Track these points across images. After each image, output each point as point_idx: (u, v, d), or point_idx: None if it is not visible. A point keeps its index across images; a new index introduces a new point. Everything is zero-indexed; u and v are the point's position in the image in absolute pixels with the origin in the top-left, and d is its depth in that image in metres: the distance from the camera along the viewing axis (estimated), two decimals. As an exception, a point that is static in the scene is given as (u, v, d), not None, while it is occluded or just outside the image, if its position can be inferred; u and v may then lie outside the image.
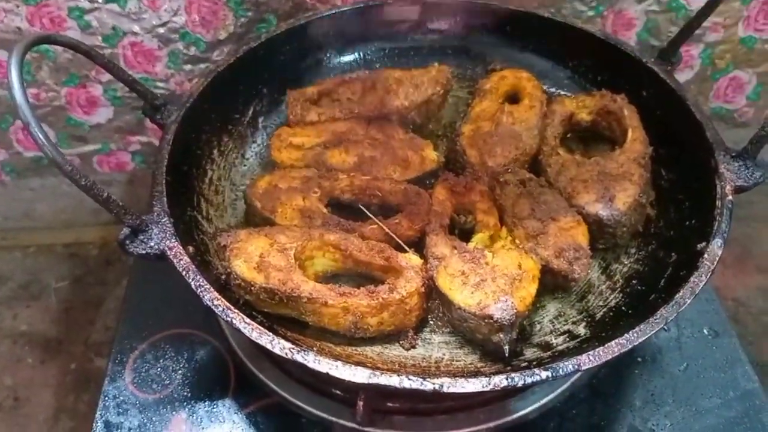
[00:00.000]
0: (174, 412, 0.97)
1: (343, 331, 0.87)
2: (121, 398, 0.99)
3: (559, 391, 0.99)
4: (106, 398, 0.99)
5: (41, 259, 1.83)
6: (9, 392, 1.58)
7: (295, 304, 0.86)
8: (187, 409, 0.97)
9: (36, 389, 1.58)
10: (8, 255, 1.84)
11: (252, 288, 0.86)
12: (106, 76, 1.50)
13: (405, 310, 0.88)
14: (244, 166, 1.13)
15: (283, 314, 0.88)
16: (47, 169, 1.71)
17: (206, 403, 0.98)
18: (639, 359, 1.03)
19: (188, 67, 1.50)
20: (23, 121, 0.74)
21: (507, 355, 0.85)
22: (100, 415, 0.97)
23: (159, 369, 1.02)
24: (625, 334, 0.77)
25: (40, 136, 0.74)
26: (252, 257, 0.88)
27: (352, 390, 0.91)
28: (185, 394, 0.99)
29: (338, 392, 0.96)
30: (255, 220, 1.01)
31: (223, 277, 0.90)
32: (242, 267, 0.87)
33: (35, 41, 0.82)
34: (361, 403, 0.85)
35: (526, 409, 0.97)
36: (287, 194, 1.00)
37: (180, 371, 1.02)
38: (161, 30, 1.43)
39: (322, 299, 0.85)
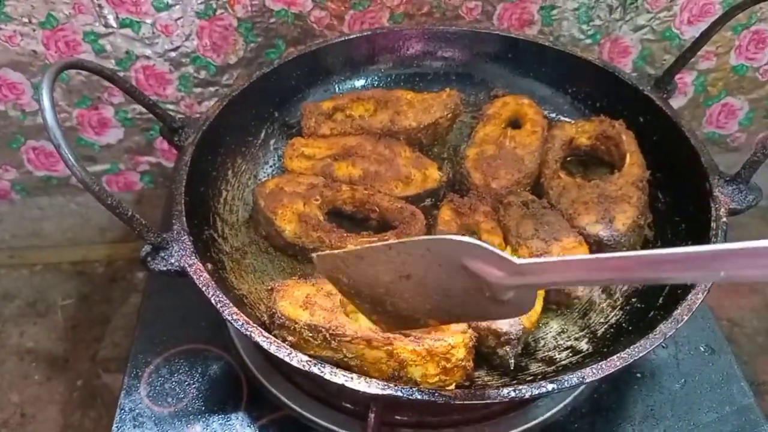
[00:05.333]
0: (189, 425, 0.99)
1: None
2: (137, 411, 1.01)
3: (561, 405, 1.01)
4: (123, 411, 1.01)
5: (48, 277, 1.86)
6: (16, 409, 1.59)
7: (338, 344, 0.84)
8: (201, 422, 1.00)
9: (42, 406, 1.60)
10: (15, 273, 1.86)
11: (296, 326, 0.85)
12: (118, 98, 1.54)
13: (450, 364, 0.84)
14: (257, 186, 1.16)
15: (326, 357, 0.85)
16: (56, 188, 1.74)
17: (220, 416, 1.00)
18: (638, 375, 1.06)
19: (198, 90, 1.54)
20: (54, 143, 0.77)
21: (512, 368, 0.88)
22: (117, 427, 0.99)
23: (173, 383, 1.05)
24: (627, 349, 0.80)
25: (70, 157, 0.77)
26: (298, 299, 0.88)
27: (363, 403, 0.94)
28: (199, 407, 1.02)
29: (349, 405, 0.99)
30: (257, 216, 1.06)
31: (265, 318, 0.91)
32: (287, 306, 0.87)
33: (65, 66, 0.85)
34: (372, 416, 0.87)
35: (530, 422, 0.99)
36: (290, 198, 1.04)
37: (194, 385, 1.04)
38: (173, 54, 1.47)
39: (366, 339, 0.83)
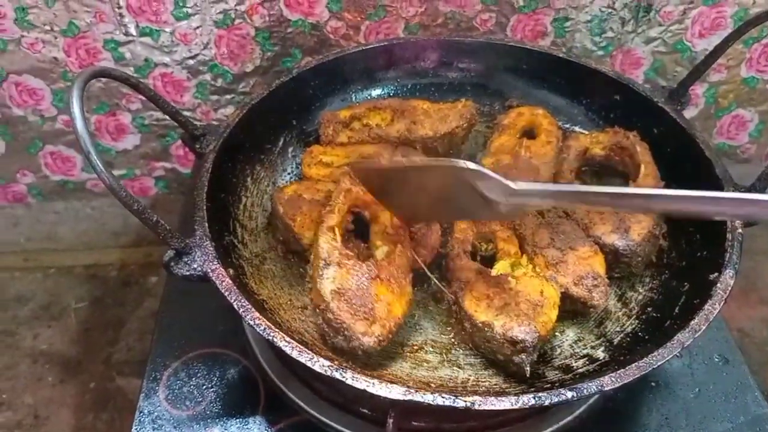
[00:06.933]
0: (207, 428, 1.00)
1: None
2: (156, 414, 1.02)
3: (576, 413, 1.02)
4: (141, 414, 1.02)
5: (62, 281, 1.87)
6: (29, 411, 1.60)
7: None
8: (219, 426, 1.01)
9: (55, 408, 1.61)
10: (30, 276, 1.88)
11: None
12: (135, 105, 1.57)
13: None
14: (276, 193, 1.18)
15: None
16: (71, 192, 1.77)
17: (238, 419, 1.02)
18: (653, 384, 1.06)
19: (215, 97, 1.56)
20: (84, 150, 0.78)
21: (528, 375, 0.89)
22: (136, 429, 1.00)
23: (192, 386, 1.06)
24: (645, 358, 0.81)
25: (99, 164, 0.78)
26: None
27: (381, 408, 0.95)
28: (217, 410, 1.03)
29: (366, 411, 0.99)
30: (275, 222, 1.07)
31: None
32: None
33: (93, 74, 0.87)
34: (391, 421, 0.88)
35: (545, 430, 1.00)
36: (309, 205, 1.06)
37: (212, 389, 1.06)
38: (191, 62, 1.49)
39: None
